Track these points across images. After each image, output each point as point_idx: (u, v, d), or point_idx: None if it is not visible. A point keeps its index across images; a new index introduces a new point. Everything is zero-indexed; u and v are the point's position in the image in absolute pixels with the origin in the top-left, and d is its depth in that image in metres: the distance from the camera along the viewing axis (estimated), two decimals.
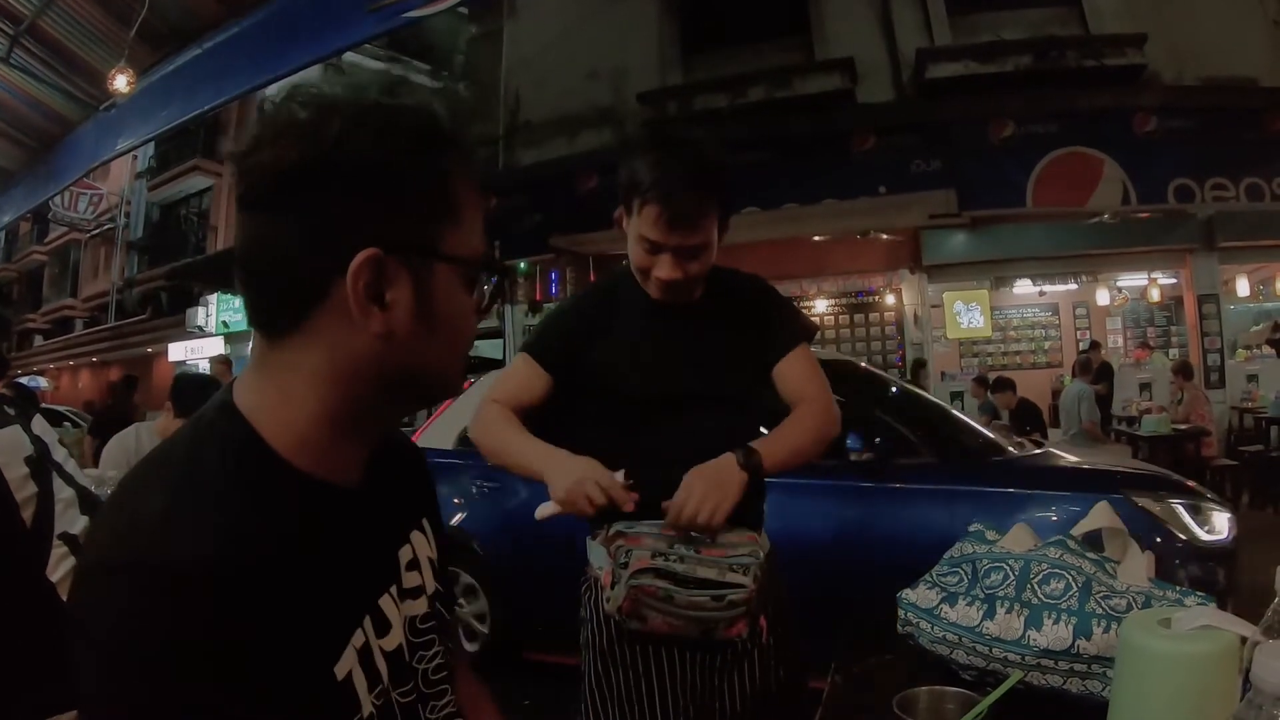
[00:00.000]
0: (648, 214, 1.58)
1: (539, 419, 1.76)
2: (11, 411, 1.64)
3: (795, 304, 1.87)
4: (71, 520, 1.62)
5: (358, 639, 0.73)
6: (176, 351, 18.97)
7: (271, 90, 1.14)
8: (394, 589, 0.81)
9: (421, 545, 0.89)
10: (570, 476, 1.50)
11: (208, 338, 18.43)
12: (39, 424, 1.74)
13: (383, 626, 0.77)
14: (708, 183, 1.59)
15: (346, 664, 0.71)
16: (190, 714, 0.59)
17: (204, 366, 17.49)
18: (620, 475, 1.51)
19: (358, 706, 0.72)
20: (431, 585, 0.89)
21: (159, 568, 0.61)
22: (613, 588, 1.48)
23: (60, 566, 1.56)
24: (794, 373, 1.75)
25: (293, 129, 0.68)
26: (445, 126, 0.74)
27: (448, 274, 0.74)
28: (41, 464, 1.60)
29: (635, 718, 1.66)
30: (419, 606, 0.85)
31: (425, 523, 0.92)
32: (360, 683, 0.72)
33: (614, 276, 1.83)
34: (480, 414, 1.74)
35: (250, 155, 0.69)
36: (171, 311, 19.30)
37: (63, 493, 1.64)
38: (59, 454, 1.72)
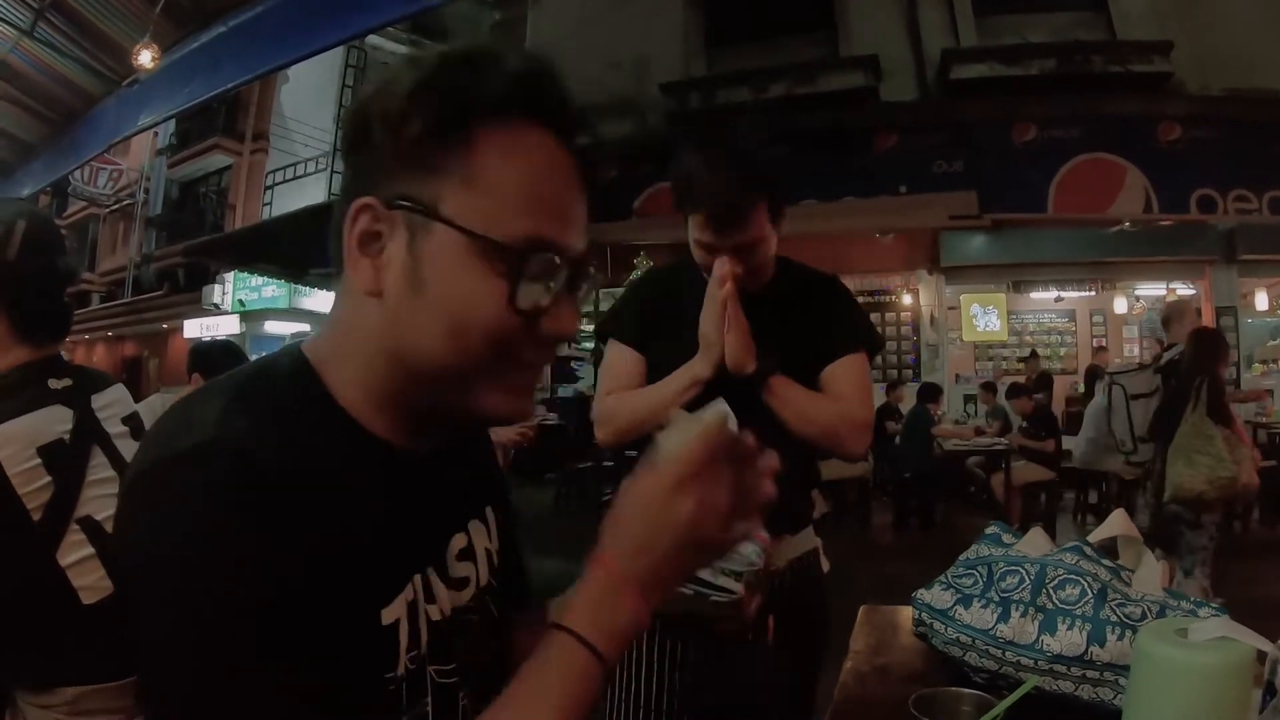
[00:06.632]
0: (696, 220, 1.64)
1: None
2: (59, 386, 1.54)
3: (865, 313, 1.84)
4: (102, 505, 1.53)
5: (409, 593, 0.73)
6: (192, 328, 19.04)
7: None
8: (435, 569, 0.79)
9: (480, 536, 0.87)
10: (713, 352, 1.60)
11: (223, 315, 18.54)
12: (111, 397, 1.65)
13: (430, 596, 0.77)
14: (748, 181, 1.59)
15: (395, 612, 0.71)
16: (248, 588, 0.59)
17: None
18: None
19: (395, 663, 0.71)
20: (485, 578, 0.86)
21: (216, 441, 0.62)
22: None
23: (73, 552, 1.48)
24: (837, 377, 1.70)
25: (376, 84, 0.72)
26: (493, 88, 0.70)
27: (451, 241, 0.68)
28: (74, 448, 1.51)
29: (628, 703, 1.66)
30: (463, 598, 0.82)
31: (489, 513, 0.90)
32: (403, 638, 0.72)
33: (678, 262, 1.83)
34: (605, 406, 1.76)
35: (348, 109, 0.74)
36: (188, 288, 19.38)
37: (99, 473, 1.55)
38: (119, 428, 1.64)
